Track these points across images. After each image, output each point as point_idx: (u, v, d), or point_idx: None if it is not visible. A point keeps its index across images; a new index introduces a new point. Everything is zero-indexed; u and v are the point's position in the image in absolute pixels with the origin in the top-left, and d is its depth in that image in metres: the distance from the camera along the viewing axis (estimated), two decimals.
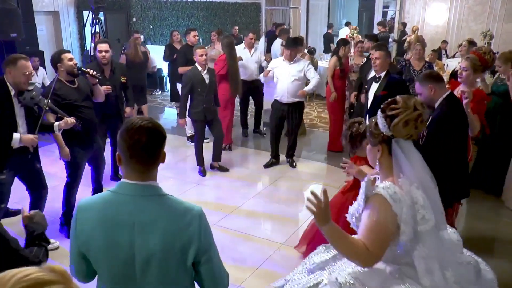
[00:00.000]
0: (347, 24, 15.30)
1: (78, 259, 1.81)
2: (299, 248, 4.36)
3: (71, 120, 4.27)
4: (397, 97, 2.26)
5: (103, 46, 5.48)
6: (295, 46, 6.60)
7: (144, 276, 1.74)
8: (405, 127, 2.16)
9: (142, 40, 10.69)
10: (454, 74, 6.08)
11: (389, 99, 2.27)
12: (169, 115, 10.33)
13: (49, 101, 4.13)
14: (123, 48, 8.88)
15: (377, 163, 2.30)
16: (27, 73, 3.95)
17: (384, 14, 17.86)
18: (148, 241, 1.71)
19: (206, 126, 6.51)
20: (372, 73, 5.48)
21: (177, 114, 6.40)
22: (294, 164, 6.87)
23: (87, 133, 4.73)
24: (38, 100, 4.04)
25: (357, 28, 12.69)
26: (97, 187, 5.24)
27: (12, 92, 3.98)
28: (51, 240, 4.53)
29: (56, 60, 4.55)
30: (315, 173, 6.77)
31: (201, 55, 6.14)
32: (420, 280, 2.15)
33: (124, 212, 1.73)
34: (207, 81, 6.20)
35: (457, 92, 4.31)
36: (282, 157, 6.98)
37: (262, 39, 10.83)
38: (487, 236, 4.87)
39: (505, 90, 5.20)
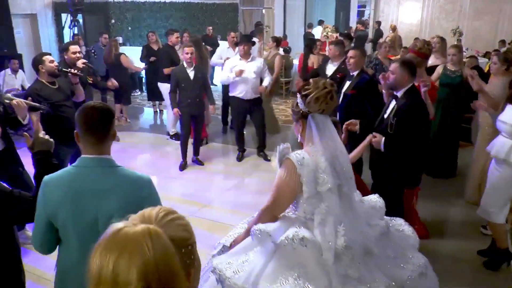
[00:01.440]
0: (320, 23, 15.62)
1: (45, 229, 2.12)
2: None
3: (21, 103, 4.23)
4: (310, 79, 2.68)
5: (75, 48, 5.60)
6: (247, 41, 6.91)
7: None
8: (316, 103, 2.56)
9: (120, 41, 10.92)
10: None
11: (306, 82, 2.69)
12: (148, 115, 10.54)
13: (6, 93, 4.23)
14: (92, 50, 9.09)
15: (300, 136, 2.73)
16: None
17: (361, 13, 18.27)
18: (108, 205, 2.05)
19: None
20: (329, 67, 5.87)
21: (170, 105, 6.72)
22: (268, 157, 7.16)
23: (69, 132, 4.89)
24: None
25: (332, 27, 13.02)
26: None
27: None
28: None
29: (38, 62, 4.72)
30: None
31: (187, 53, 6.43)
32: (313, 230, 2.57)
33: (87, 182, 2.08)
34: (191, 77, 6.48)
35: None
36: (254, 150, 7.34)
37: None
38: (441, 217, 5.26)
39: (460, 82, 5.74)
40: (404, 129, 3.90)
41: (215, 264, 2.65)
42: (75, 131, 2.16)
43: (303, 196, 2.58)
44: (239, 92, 6.84)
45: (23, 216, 2.42)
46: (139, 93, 12.79)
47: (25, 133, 2.71)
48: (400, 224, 3.05)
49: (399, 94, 4.05)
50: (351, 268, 2.51)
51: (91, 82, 5.95)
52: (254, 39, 9.67)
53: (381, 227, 2.82)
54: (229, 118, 8.59)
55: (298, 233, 2.50)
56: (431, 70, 6.00)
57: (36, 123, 4.51)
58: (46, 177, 2.14)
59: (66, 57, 5.54)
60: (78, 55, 5.55)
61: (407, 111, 3.92)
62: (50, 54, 4.91)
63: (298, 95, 2.66)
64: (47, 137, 2.61)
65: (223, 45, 8.25)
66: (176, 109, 6.57)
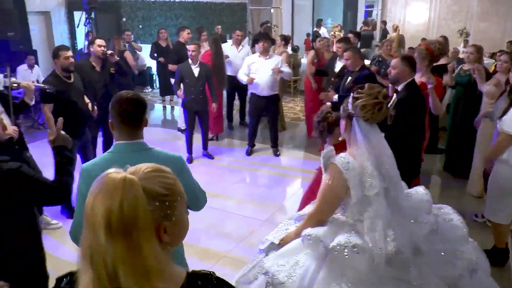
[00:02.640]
0: (319, 22, 15.69)
1: None
2: None
3: (31, 84, 4.50)
4: (367, 84, 2.70)
5: (102, 42, 5.87)
6: (266, 38, 7.10)
7: None
8: (362, 110, 2.58)
9: (132, 39, 11.15)
10: None
11: (362, 85, 2.72)
12: (159, 111, 10.77)
13: (10, 78, 4.30)
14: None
15: (344, 133, 2.79)
16: None
17: (369, 14, 18.40)
18: None
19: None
20: (338, 64, 6.07)
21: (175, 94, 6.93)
22: (278, 153, 7.36)
23: (78, 124, 5.12)
24: (3, 82, 4.34)
25: (338, 25, 13.16)
26: None
27: None
28: (53, 221, 4.97)
29: (54, 56, 4.96)
30: (296, 160, 7.30)
31: (192, 51, 6.63)
32: (363, 236, 2.57)
33: (122, 166, 2.21)
34: (196, 74, 6.67)
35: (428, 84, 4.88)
36: (264, 146, 7.53)
37: (247, 39, 11.31)
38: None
39: (468, 81, 5.77)
40: (401, 120, 4.08)
41: (267, 267, 2.66)
42: (109, 120, 2.30)
43: (352, 200, 2.59)
44: (255, 89, 7.03)
45: (45, 198, 2.61)
46: (150, 89, 13.02)
47: (49, 130, 2.90)
48: (448, 213, 2.98)
49: (399, 87, 4.26)
50: (403, 271, 2.53)
51: (113, 71, 6.20)
52: None
53: (430, 224, 2.77)
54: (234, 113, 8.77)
55: (350, 240, 2.50)
56: (438, 69, 6.14)
57: (59, 123, 4.77)
58: (84, 165, 2.28)
59: (92, 49, 5.82)
60: (103, 48, 5.81)
61: (405, 103, 4.05)
62: (68, 49, 5.09)
63: (351, 95, 2.69)
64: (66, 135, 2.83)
65: (227, 43, 8.46)
66: (180, 92, 6.77)
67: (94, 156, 5.64)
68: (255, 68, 6.95)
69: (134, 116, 2.26)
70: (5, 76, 4.37)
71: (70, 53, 5.02)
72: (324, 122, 3.86)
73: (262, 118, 7.54)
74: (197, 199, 2.44)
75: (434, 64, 5.58)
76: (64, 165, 2.68)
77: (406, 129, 4.04)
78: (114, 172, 1.20)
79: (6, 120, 4.17)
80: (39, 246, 2.76)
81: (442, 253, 2.69)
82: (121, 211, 1.11)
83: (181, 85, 6.79)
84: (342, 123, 2.78)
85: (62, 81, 4.97)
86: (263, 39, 7.03)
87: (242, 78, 7.08)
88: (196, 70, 6.69)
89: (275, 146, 7.40)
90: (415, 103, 4.17)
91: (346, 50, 5.63)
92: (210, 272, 1.29)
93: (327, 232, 2.62)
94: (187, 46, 6.78)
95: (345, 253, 2.47)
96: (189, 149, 7.01)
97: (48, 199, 2.62)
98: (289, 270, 2.58)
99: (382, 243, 2.50)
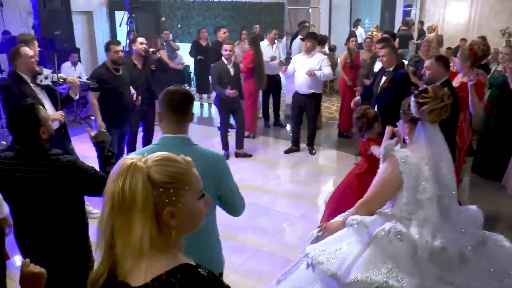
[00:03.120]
0: (357, 22, 15.60)
1: None
2: None
3: (76, 80, 4.72)
4: (429, 87, 2.70)
5: (143, 39, 6.13)
6: (311, 37, 7.18)
7: None
8: (430, 114, 2.60)
9: (170, 38, 11.43)
10: None
11: (422, 88, 2.74)
12: (195, 108, 10.98)
13: (58, 73, 4.57)
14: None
15: (406, 138, 2.82)
16: (32, 55, 4.33)
17: (407, 13, 18.17)
18: None
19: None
20: (378, 64, 6.05)
21: (216, 95, 7.05)
22: (313, 151, 7.41)
23: (121, 115, 5.44)
24: (51, 77, 4.49)
25: (376, 25, 13.11)
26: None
27: (29, 80, 4.35)
28: (95, 210, 5.18)
29: (105, 49, 5.32)
30: (331, 158, 7.39)
31: (226, 50, 6.78)
32: (410, 228, 2.60)
33: None
34: (232, 73, 6.84)
35: (455, 81, 4.84)
36: (303, 146, 7.55)
37: (285, 39, 11.40)
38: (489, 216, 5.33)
39: (502, 81, 5.68)
40: None
41: (308, 250, 2.76)
42: (158, 111, 2.42)
43: (402, 200, 2.64)
44: (296, 86, 7.12)
45: (97, 189, 2.76)
46: (188, 87, 13.27)
47: (88, 128, 3.08)
48: (500, 240, 2.91)
49: None
50: (446, 271, 2.52)
51: (153, 69, 6.44)
52: (300, 37, 10.02)
53: (478, 236, 2.76)
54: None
55: (396, 226, 2.55)
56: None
57: (99, 121, 5.09)
58: (130, 154, 2.42)
59: (134, 47, 6.05)
60: (145, 46, 6.06)
61: None
62: (119, 44, 5.45)
63: (413, 99, 2.68)
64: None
65: (263, 42, 8.58)
66: (231, 91, 6.71)
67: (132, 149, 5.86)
68: (297, 66, 7.06)
69: (182, 107, 2.36)
70: (53, 72, 4.59)
71: (120, 47, 5.35)
72: (363, 118, 3.96)
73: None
74: (236, 206, 2.52)
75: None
76: (108, 158, 2.86)
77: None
78: (129, 158, 1.34)
79: (51, 109, 4.37)
80: (87, 238, 2.92)
81: (489, 268, 2.67)
82: (123, 191, 1.27)
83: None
84: (405, 126, 2.81)
85: (111, 72, 5.29)
86: (307, 38, 7.13)
87: (288, 72, 7.32)
88: (231, 69, 6.85)
89: (311, 144, 7.46)
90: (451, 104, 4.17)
91: (384, 47, 5.66)
92: (206, 271, 1.33)
93: (373, 221, 2.68)
94: (223, 46, 6.93)
95: (390, 238, 2.51)
96: (225, 146, 7.14)
97: (99, 190, 2.75)
98: (330, 254, 2.64)
99: (430, 237, 2.53)
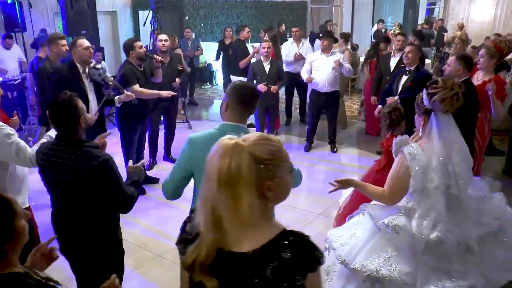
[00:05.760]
0: (380, 21, 15.52)
1: (180, 178, 2.58)
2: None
3: (130, 94, 5.05)
4: (439, 78, 2.83)
5: (163, 36, 6.30)
6: (328, 36, 7.24)
7: None
8: (442, 103, 2.71)
9: (193, 36, 11.56)
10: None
11: (432, 80, 2.85)
12: (217, 108, 11.04)
13: (113, 78, 4.95)
14: (178, 44, 9.73)
15: (421, 130, 2.91)
16: (88, 46, 4.71)
17: (431, 11, 17.99)
18: None
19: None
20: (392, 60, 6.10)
21: None
22: (335, 149, 7.46)
23: (142, 109, 5.58)
24: (105, 77, 4.84)
25: (399, 24, 13.03)
26: (137, 159, 5.70)
27: (81, 70, 4.72)
28: None
29: (129, 48, 5.42)
30: (352, 157, 7.41)
31: (264, 47, 6.88)
32: (411, 220, 2.76)
33: None
34: (267, 71, 6.92)
35: (476, 78, 4.81)
36: (321, 143, 7.65)
37: (307, 40, 11.44)
38: None
39: None
40: None
41: (328, 234, 3.08)
42: (225, 102, 2.58)
43: (409, 190, 2.76)
44: (315, 85, 7.14)
45: (115, 202, 2.79)
46: (210, 86, 13.40)
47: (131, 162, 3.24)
48: None
49: None
50: (443, 261, 2.66)
51: (181, 69, 6.65)
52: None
53: (490, 227, 2.85)
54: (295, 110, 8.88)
55: (393, 220, 2.76)
56: (498, 67, 5.99)
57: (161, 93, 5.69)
58: (191, 135, 2.57)
59: (156, 44, 6.25)
60: (163, 42, 6.21)
61: None
62: (139, 40, 5.61)
63: (424, 91, 2.82)
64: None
65: (289, 41, 8.65)
66: (261, 85, 6.74)
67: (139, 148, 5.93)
68: (317, 65, 7.07)
69: (251, 100, 2.57)
70: (104, 71, 4.88)
71: (142, 43, 5.54)
72: (395, 112, 4.03)
73: (322, 116, 7.61)
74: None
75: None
76: (136, 182, 2.99)
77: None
78: (229, 138, 1.47)
79: (93, 102, 4.76)
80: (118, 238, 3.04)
81: (501, 257, 2.78)
82: (229, 168, 1.40)
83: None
84: (419, 119, 2.90)
85: (135, 68, 5.44)
86: (324, 37, 7.18)
87: (304, 75, 7.21)
88: (267, 67, 6.92)
89: (333, 142, 7.50)
90: (467, 102, 4.13)
91: (411, 45, 5.70)
92: (305, 235, 1.49)
93: (382, 212, 2.87)
94: (261, 43, 7.03)
95: (387, 231, 2.74)
96: None
97: (116, 203, 2.81)
98: (345, 240, 2.90)
99: (427, 231, 2.66)
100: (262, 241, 1.44)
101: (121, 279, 3.08)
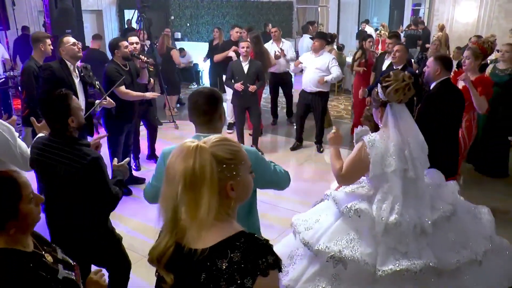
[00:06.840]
0: (366, 22, 15.62)
1: (159, 187, 2.52)
2: None
3: (111, 101, 4.92)
4: (390, 72, 3.01)
5: (134, 39, 6.04)
6: (319, 37, 7.26)
7: None
8: (396, 94, 2.92)
9: (179, 37, 11.50)
10: (459, 65, 6.52)
11: (387, 74, 3.01)
12: None
13: (99, 82, 4.92)
14: (156, 43, 9.66)
15: (379, 121, 3.12)
16: (74, 42, 4.74)
17: (416, 12, 18.14)
18: None
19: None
20: (386, 62, 6.11)
21: (233, 93, 7.17)
22: (321, 149, 7.47)
23: (129, 109, 5.52)
24: (93, 79, 4.85)
25: (385, 24, 13.11)
26: (123, 159, 5.75)
27: (71, 68, 4.71)
28: None
29: (114, 47, 5.34)
30: None
31: (243, 47, 6.85)
32: (372, 204, 3.01)
33: None
34: (245, 71, 6.87)
35: (461, 79, 4.86)
36: (307, 143, 7.64)
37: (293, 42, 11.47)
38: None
39: (507, 80, 5.64)
40: (425, 115, 4.18)
41: (293, 219, 3.30)
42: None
43: (369, 174, 3.00)
44: (303, 84, 7.20)
45: (101, 201, 2.82)
46: (196, 86, 13.35)
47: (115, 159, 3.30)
48: (480, 212, 3.39)
49: (431, 86, 4.33)
50: (400, 243, 2.90)
51: (151, 69, 6.55)
52: (305, 35, 10.10)
53: (444, 211, 3.09)
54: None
55: (356, 204, 3.01)
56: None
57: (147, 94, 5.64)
58: (165, 149, 2.51)
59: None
60: (135, 45, 5.89)
61: (432, 99, 4.21)
62: (125, 40, 5.52)
63: (379, 85, 3.02)
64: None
65: (269, 42, 8.66)
66: (238, 84, 6.76)
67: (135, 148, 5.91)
68: (305, 64, 7.14)
69: (205, 108, 2.45)
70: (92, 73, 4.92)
71: (127, 43, 5.47)
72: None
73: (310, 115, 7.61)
74: (276, 183, 2.69)
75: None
76: (121, 182, 3.01)
77: (431, 125, 4.01)
78: (190, 141, 1.50)
79: (82, 100, 4.72)
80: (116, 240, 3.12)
81: (453, 239, 3.05)
82: (193, 169, 1.44)
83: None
84: (376, 112, 3.12)
85: (121, 68, 5.37)
86: (316, 37, 7.21)
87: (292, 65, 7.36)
88: (246, 67, 6.89)
89: (320, 142, 7.51)
90: (444, 101, 4.18)
91: (399, 43, 5.77)
92: (263, 239, 1.50)
93: (344, 198, 3.15)
94: (240, 43, 7.00)
95: (350, 215, 2.99)
96: (241, 143, 7.17)
97: (102, 202, 2.82)
98: (309, 224, 3.19)
99: (386, 214, 2.92)
100: (216, 240, 1.47)
101: (129, 265, 3.29)
